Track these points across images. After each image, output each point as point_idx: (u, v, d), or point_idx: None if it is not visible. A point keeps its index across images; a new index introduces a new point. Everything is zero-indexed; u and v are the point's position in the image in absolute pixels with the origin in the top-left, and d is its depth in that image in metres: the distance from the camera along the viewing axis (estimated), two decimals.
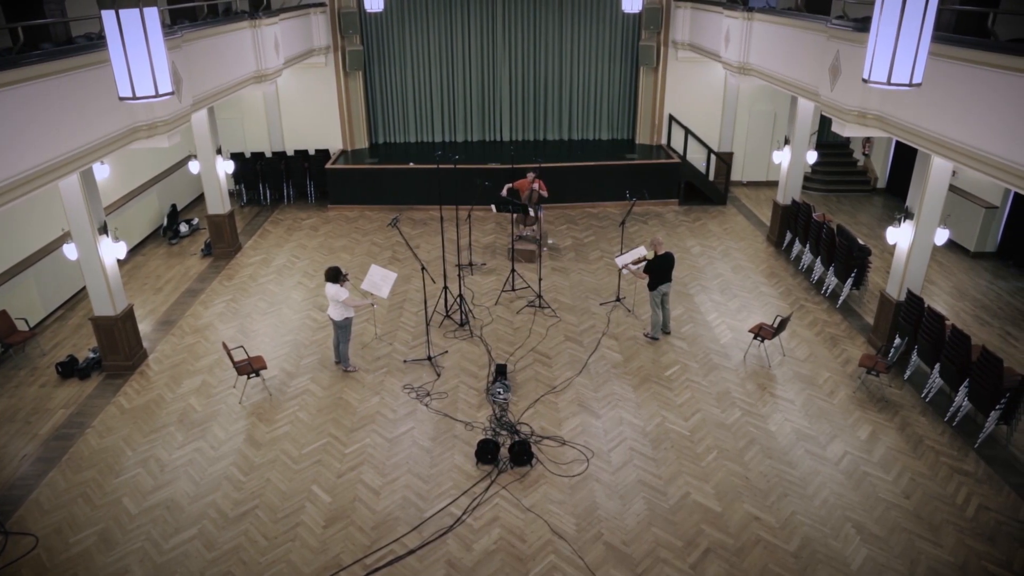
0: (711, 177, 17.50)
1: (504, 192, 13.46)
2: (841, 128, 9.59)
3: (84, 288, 12.14)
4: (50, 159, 7.16)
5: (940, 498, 7.75)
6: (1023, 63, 6.56)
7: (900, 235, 10.15)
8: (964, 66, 7.41)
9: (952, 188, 13.47)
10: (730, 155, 17.99)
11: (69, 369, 10.06)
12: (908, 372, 9.92)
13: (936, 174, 9.41)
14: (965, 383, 8.74)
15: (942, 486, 7.92)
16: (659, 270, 10.47)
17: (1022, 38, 7.46)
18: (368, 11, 14.61)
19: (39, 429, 9.01)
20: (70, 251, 9.81)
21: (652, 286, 10.58)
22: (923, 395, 9.49)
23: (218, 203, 13.78)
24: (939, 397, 9.42)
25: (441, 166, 13.02)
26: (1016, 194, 13.11)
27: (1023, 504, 7.65)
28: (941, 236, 10.23)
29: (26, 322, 10.81)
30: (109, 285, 9.77)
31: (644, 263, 10.53)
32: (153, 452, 8.58)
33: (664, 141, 17.93)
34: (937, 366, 9.26)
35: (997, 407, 8.28)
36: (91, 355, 10.28)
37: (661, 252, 10.44)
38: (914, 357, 9.86)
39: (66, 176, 7.55)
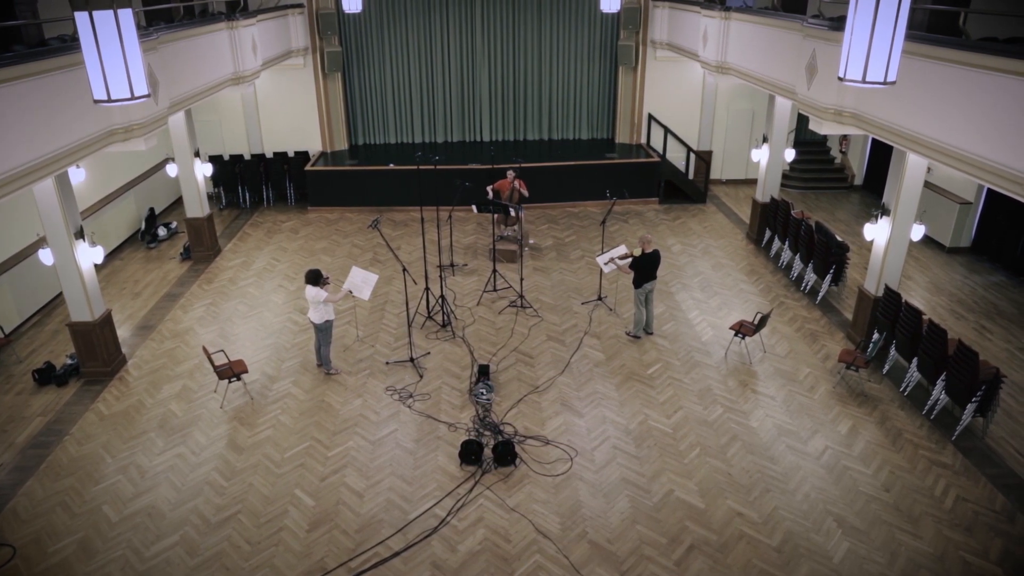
0: (691, 175, 17.61)
1: (490, 195, 13.44)
2: (818, 126, 9.69)
3: (61, 294, 11.98)
4: (24, 163, 7.05)
5: (919, 490, 7.86)
6: (994, 61, 6.68)
7: (877, 231, 10.27)
8: (937, 64, 7.52)
9: (927, 184, 13.66)
10: (709, 153, 18.12)
11: (46, 376, 9.92)
12: (887, 367, 10.05)
13: (911, 171, 9.53)
14: (942, 377, 8.87)
15: (921, 479, 8.04)
16: (645, 267, 10.51)
17: (993, 37, 7.58)
18: (346, 12, 14.53)
19: (16, 437, 8.87)
20: (46, 256, 9.67)
21: (637, 284, 10.62)
22: (901, 389, 9.61)
23: (196, 206, 13.65)
24: (917, 391, 9.55)
25: (421, 167, 13.01)
26: (989, 190, 13.31)
27: (999, 495, 7.78)
28: (917, 232, 10.38)
29: (1, 329, 10.66)
30: (86, 290, 9.64)
31: (631, 259, 10.56)
32: (133, 459, 8.48)
33: (644, 140, 18.01)
34: (915, 360, 9.39)
35: (973, 400, 8.41)
36: (69, 361, 10.13)
37: (649, 250, 10.48)
38: (892, 352, 9.99)
39: (41, 180, 7.44)
